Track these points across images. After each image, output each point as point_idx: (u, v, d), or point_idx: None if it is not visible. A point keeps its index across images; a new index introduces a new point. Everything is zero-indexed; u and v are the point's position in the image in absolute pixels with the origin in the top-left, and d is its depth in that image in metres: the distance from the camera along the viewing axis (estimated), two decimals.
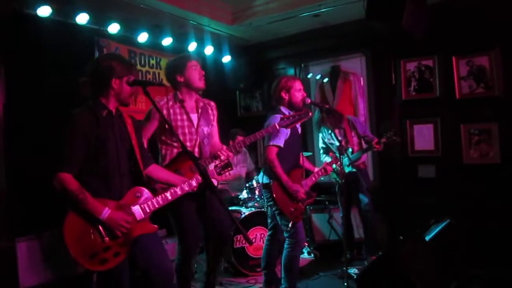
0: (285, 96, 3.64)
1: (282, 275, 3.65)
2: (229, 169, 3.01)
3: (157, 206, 2.56)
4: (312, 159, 5.44)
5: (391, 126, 4.52)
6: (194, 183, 2.70)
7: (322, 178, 5.59)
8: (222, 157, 3.07)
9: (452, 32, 4.79)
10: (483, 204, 4.51)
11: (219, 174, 2.98)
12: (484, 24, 4.58)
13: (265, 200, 3.74)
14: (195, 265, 4.34)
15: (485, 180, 4.60)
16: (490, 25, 4.55)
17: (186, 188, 2.67)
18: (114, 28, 4.64)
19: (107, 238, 2.38)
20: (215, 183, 3.14)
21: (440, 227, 3.59)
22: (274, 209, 3.63)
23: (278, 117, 3.46)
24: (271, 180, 3.57)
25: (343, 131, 4.73)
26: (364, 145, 4.73)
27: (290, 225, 3.51)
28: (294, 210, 3.54)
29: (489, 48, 4.61)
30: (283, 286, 3.64)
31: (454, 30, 4.78)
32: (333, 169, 4.77)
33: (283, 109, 3.63)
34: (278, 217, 3.61)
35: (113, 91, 2.52)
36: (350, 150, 4.63)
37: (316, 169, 3.85)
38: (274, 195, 3.52)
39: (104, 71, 2.50)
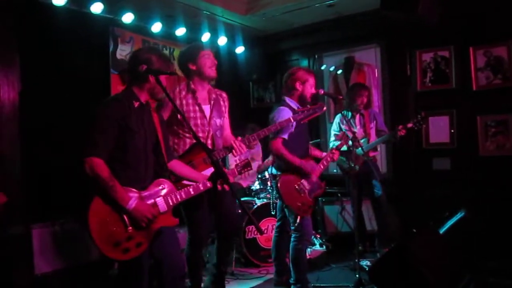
0: (299, 87, 3.60)
1: (291, 268, 3.65)
2: (248, 168, 3.01)
3: (180, 200, 2.57)
4: (324, 147, 5.42)
5: (407, 118, 4.45)
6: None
7: (335, 171, 5.62)
8: (234, 151, 3.05)
9: (469, 22, 4.69)
10: (499, 196, 4.43)
11: (240, 173, 2.99)
12: (502, 13, 4.48)
13: (275, 191, 3.72)
14: (207, 255, 4.36)
15: (501, 173, 4.53)
16: (508, 14, 4.44)
17: (208, 185, 2.67)
18: (128, 17, 4.65)
19: (130, 228, 2.39)
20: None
21: (454, 220, 3.55)
22: (283, 201, 3.60)
23: (285, 109, 3.46)
24: (278, 173, 3.56)
25: (363, 119, 4.68)
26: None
27: (298, 220, 3.48)
28: (302, 204, 3.50)
29: (508, 38, 4.51)
30: (292, 279, 3.65)
31: (471, 19, 4.68)
32: (340, 157, 4.69)
33: (288, 101, 3.60)
34: (286, 210, 3.60)
35: (148, 85, 2.53)
36: (364, 139, 4.58)
37: (324, 155, 3.76)
38: (281, 190, 3.50)
39: (142, 64, 2.49)
